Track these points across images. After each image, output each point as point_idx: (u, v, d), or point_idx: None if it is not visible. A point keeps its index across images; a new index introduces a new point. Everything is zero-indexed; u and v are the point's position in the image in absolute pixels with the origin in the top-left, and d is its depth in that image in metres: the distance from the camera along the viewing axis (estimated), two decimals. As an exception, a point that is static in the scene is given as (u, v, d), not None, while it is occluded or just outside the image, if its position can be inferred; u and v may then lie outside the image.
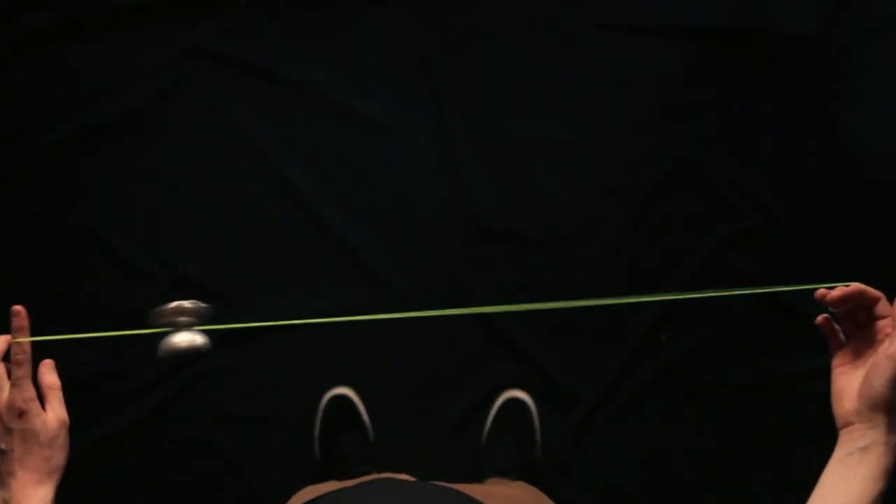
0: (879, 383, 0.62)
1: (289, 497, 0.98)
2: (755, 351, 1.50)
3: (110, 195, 1.53)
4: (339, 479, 1.34)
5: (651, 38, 1.57)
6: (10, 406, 0.66)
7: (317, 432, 1.44)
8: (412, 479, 0.87)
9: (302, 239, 1.52)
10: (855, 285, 0.65)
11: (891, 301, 0.65)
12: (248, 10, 1.56)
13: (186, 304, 0.65)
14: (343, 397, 1.44)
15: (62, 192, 1.53)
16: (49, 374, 0.71)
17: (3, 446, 0.66)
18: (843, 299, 0.65)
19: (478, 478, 1.39)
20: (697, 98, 1.56)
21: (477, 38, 1.57)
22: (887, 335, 0.63)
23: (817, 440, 1.46)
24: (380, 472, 1.38)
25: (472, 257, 1.52)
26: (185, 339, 0.65)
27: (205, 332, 0.64)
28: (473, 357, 1.50)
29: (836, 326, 0.69)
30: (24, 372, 0.67)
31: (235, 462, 1.47)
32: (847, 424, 0.64)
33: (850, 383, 0.65)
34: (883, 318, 0.64)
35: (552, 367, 1.48)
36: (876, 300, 0.65)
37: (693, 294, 0.64)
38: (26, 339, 0.67)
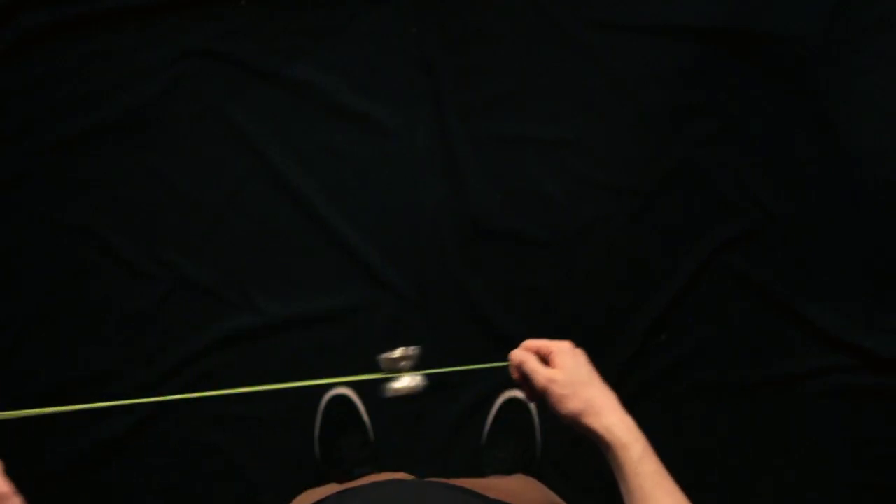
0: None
1: (289, 498, 0.98)
2: (755, 351, 1.50)
3: (110, 195, 1.53)
4: (339, 479, 1.34)
5: (651, 38, 1.57)
6: None
7: (317, 432, 1.44)
8: (411, 477, 0.87)
9: (302, 239, 1.52)
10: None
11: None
12: (248, 10, 1.56)
13: (409, 350, 0.82)
14: (343, 397, 1.44)
15: (62, 192, 1.52)
16: None
17: None
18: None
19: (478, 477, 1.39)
20: (697, 98, 1.56)
21: (477, 38, 1.57)
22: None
23: (817, 440, 1.47)
24: (380, 472, 1.39)
25: (472, 257, 1.52)
26: (406, 382, 0.81)
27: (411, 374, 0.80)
28: (473, 357, 1.50)
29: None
30: None
31: (235, 462, 1.47)
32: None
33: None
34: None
35: (552, 367, 1.48)
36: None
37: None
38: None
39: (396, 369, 0.81)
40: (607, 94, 1.56)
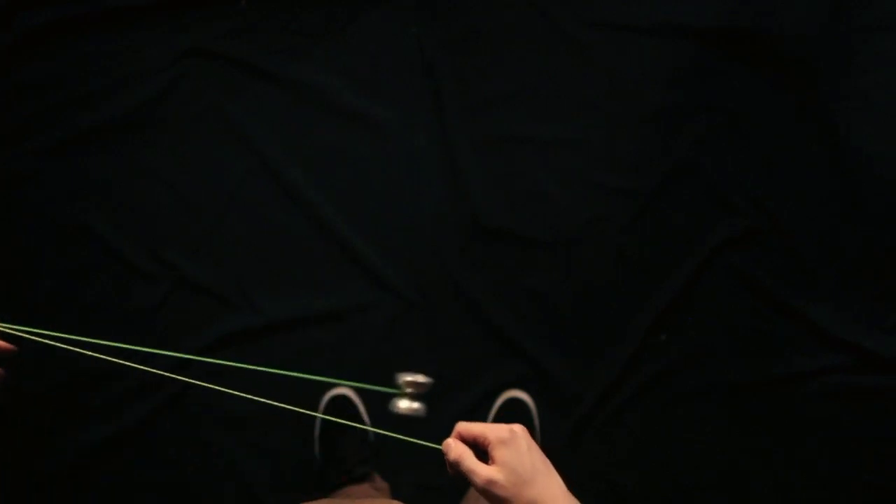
0: None
1: (289, 497, 0.98)
2: (755, 351, 1.50)
3: (110, 195, 1.53)
4: (339, 478, 1.34)
5: (651, 38, 1.57)
6: None
7: (317, 432, 1.44)
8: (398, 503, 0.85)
9: (302, 239, 1.52)
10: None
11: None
12: (248, 11, 1.56)
13: (422, 378, 0.82)
14: (343, 397, 1.44)
15: (62, 192, 1.52)
16: None
17: None
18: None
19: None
20: (697, 98, 1.56)
21: (477, 38, 1.57)
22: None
23: (817, 440, 1.47)
24: (379, 471, 1.39)
25: (472, 257, 1.52)
26: (406, 405, 0.83)
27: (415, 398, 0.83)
28: (473, 357, 1.50)
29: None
30: None
31: (235, 462, 1.47)
32: None
33: None
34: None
35: (552, 367, 1.48)
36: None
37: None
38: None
39: (406, 391, 0.84)
40: (607, 94, 1.56)
